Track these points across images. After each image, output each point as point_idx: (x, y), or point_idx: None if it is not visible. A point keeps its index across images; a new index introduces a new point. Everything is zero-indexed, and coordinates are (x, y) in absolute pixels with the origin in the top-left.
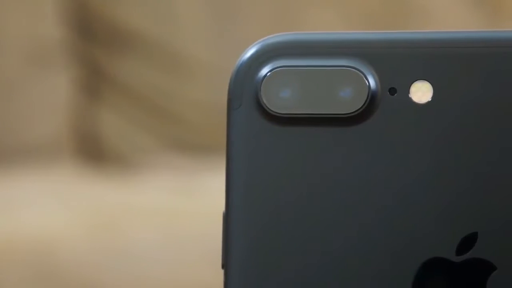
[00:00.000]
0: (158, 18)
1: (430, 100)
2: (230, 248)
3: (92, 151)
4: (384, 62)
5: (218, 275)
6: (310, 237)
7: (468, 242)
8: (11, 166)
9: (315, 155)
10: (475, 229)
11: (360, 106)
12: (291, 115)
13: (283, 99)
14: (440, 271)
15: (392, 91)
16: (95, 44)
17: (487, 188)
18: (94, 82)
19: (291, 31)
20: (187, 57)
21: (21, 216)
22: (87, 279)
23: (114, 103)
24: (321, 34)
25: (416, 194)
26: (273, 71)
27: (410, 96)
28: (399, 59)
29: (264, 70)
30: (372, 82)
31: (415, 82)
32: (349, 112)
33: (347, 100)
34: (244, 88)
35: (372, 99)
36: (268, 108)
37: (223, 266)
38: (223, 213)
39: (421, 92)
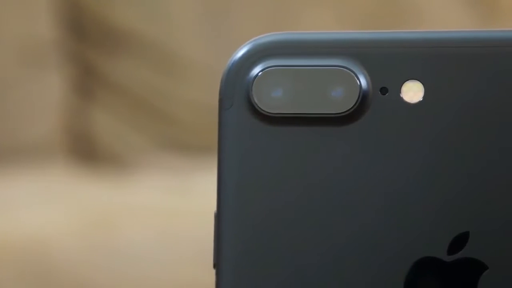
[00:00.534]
0: (151, 18)
1: (421, 99)
2: (222, 247)
3: (86, 151)
4: (376, 62)
5: (212, 275)
6: (301, 237)
7: (459, 241)
8: (5, 166)
9: (307, 154)
10: (467, 228)
11: (352, 105)
12: (283, 114)
13: (274, 99)
14: (431, 270)
15: (384, 90)
16: (89, 44)
17: (479, 188)
18: (88, 82)
19: (285, 31)
20: (180, 57)
21: (15, 216)
22: (81, 278)
23: (108, 103)
24: (312, 34)
25: (407, 194)
26: (264, 70)
27: (401, 95)
28: (390, 59)
29: (256, 70)
30: (363, 81)
31: (406, 82)
32: (340, 111)
33: (338, 100)
34: (235, 88)
35: (364, 99)
36: (260, 108)
37: (215, 266)
38: (215, 212)
39: (413, 92)
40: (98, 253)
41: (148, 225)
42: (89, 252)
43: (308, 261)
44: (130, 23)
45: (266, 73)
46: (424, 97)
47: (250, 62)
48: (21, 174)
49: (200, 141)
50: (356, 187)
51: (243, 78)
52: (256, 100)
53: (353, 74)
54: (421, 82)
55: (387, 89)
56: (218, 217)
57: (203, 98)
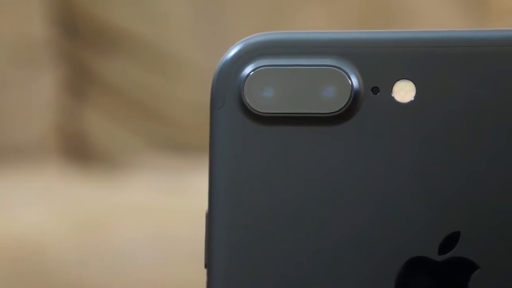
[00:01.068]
0: (145, 18)
1: (412, 99)
2: (213, 247)
3: (79, 151)
4: (367, 61)
5: (205, 275)
6: (292, 236)
7: (450, 241)
8: None
9: (298, 154)
10: (458, 228)
11: (343, 105)
12: (274, 114)
13: (266, 99)
14: (422, 270)
15: (375, 90)
16: (82, 43)
17: (470, 188)
18: (81, 82)
19: (278, 30)
20: (174, 57)
21: (7, 215)
22: (74, 278)
23: (101, 103)
24: (304, 34)
25: (398, 194)
26: (256, 70)
27: (392, 95)
28: (382, 59)
29: (247, 70)
30: (355, 81)
31: (397, 82)
32: (332, 111)
33: (330, 100)
34: (227, 88)
35: (355, 99)
36: (251, 107)
37: (206, 266)
38: (206, 212)
39: (404, 92)
40: (91, 253)
41: (141, 225)
42: (82, 252)
43: (300, 261)
44: (124, 23)
45: (258, 73)
46: (415, 96)
47: (242, 61)
48: (14, 174)
49: (193, 140)
50: (348, 186)
51: (235, 78)
52: (247, 99)
53: (344, 74)
54: (412, 81)
55: (378, 89)
56: (209, 217)
57: (197, 98)
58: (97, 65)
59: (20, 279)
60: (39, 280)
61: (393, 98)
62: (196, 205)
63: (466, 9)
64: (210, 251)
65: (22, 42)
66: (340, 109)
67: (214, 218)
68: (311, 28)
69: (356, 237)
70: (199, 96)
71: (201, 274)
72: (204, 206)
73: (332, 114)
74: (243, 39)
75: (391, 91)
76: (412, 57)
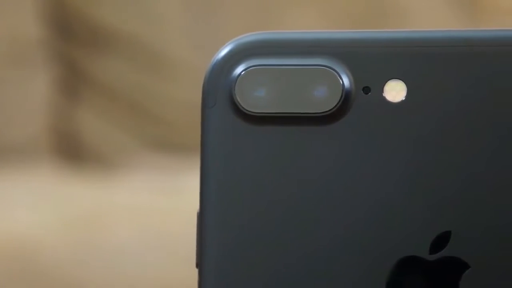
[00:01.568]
0: (138, 18)
1: (403, 99)
2: (204, 247)
3: (73, 151)
4: (358, 61)
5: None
6: (284, 236)
7: (441, 240)
8: None
9: (289, 154)
10: (449, 228)
11: (334, 105)
12: (265, 114)
13: (257, 98)
14: (414, 269)
15: (366, 90)
16: (76, 43)
17: (461, 187)
18: (75, 82)
19: (270, 30)
20: (167, 57)
21: (1, 215)
22: (67, 278)
23: (94, 103)
24: (295, 33)
25: (390, 193)
26: (247, 70)
27: (384, 95)
28: (373, 58)
29: (238, 69)
30: (346, 81)
31: (389, 81)
32: (323, 111)
33: (321, 99)
34: (218, 87)
35: (346, 98)
36: (242, 107)
37: (198, 265)
38: (197, 212)
39: (395, 91)
40: (85, 252)
41: (135, 225)
42: (76, 251)
43: (291, 261)
44: (117, 23)
45: (249, 73)
46: (406, 96)
47: (233, 61)
48: (8, 174)
49: (187, 140)
50: (339, 186)
51: (226, 78)
52: (238, 99)
53: (335, 74)
54: (403, 81)
55: (369, 89)
56: (201, 216)
57: (190, 97)
58: (91, 65)
59: (14, 278)
60: (33, 279)
61: (384, 98)
62: (190, 205)
63: (458, 8)
64: (201, 251)
65: (16, 43)
66: (331, 109)
67: (205, 218)
68: (303, 28)
69: (347, 236)
70: (193, 96)
71: (194, 273)
72: (198, 205)
73: (323, 114)
74: (234, 39)
75: (382, 90)
76: (403, 57)
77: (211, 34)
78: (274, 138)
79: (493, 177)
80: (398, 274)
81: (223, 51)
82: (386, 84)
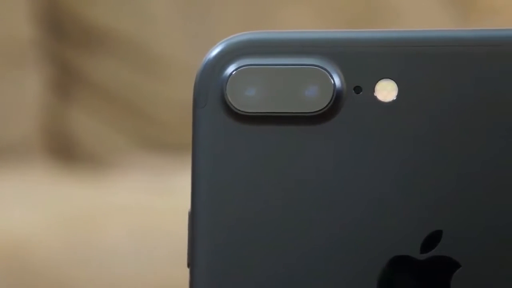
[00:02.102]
0: (131, 17)
1: (394, 98)
2: (195, 247)
3: (65, 151)
4: (349, 60)
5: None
6: (275, 236)
7: (432, 240)
8: None
9: (281, 153)
10: (440, 227)
11: (326, 104)
12: (257, 114)
13: (248, 98)
14: (405, 268)
15: (357, 89)
16: (67, 43)
17: (452, 186)
18: (67, 82)
19: (264, 30)
20: (160, 57)
21: None
22: (60, 277)
23: (87, 103)
24: (286, 33)
25: (381, 193)
26: (238, 69)
27: (375, 94)
28: (364, 58)
29: (230, 69)
30: (337, 80)
31: (380, 81)
32: (314, 110)
33: (312, 99)
34: (209, 87)
35: (337, 98)
36: (234, 107)
37: (189, 265)
38: (189, 212)
39: (386, 91)
40: (78, 252)
41: (128, 224)
42: (69, 251)
43: (283, 260)
44: (110, 23)
45: (240, 72)
46: (397, 96)
47: (224, 61)
48: (1, 174)
49: (179, 140)
50: (331, 185)
51: (217, 77)
52: (230, 99)
53: (327, 73)
54: (394, 81)
55: (360, 88)
56: (192, 216)
57: (182, 97)
58: (84, 65)
59: (7, 277)
60: (27, 278)
61: (375, 98)
62: (183, 205)
63: (450, 8)
64: (192, 251)
65: (9, 43)
66: (323, 108)
67: (196, 217)
68: (296, 28)
69: (339, 236)
70: (186, 95)
71: (187, 273)
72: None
73: (315, 114)
74: (226, 39)
75: (373, 90)
76: (394, 56)
77: (204, 34)
78: (266, 138)
79: (484, 177)
80: (389, 273)
81: (214, 51)
82: (377, 83)
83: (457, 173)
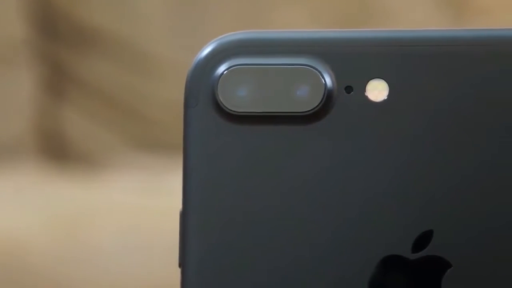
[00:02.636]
0: (123, 17)
1: (386, 98)
2: (187, 247)
3: (57, 150)
4: (340, 60)
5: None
6: (266, 236)
7: (423, 239)
8: None
9: (272, 153)
10: (431, 227)
11: (317, 104)
12: (248, 113)
13: (240, 98)
14: (396, 268)
15: (348, 89)
16: (60, 42)
17: (443, 186)
18: (59, 81)
19: (256, 29)
20: (152, 56)
21: None
22: (52, 276)
23: (79, 102)
24: (277, 33)
25: (372, 192)
26: (229, 69)
27: (366, 94)
28: (355, 58)
29: (221, 69)
30: (328, 80)
31: (371, 81)
32: (305, 110)
33: (303, 99)
34: (200, 87)
35: (329, 98)
36: (225, 106)
37: (180, 265)
38: (180, 211)
39: (377, 91)
40: (70, 251)
41: (120, 224)
42: (61, 251)
43: (273, 260)
44: (102, 22)
45: (232, 72)
46: (388, 95)
47: (215, 60)
48: None
49: (172, 139)
50: (322, 185)
51: (209, 77)
52: (221, 98)
53: (318, 73)
54: (385, 80)
55: (352, 88)
56: (183, 216)
57: (175, 96)
58: (76, 65)
59: (0, 276)
60: (19, 278)
61: (366, 97)
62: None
63: (443, 8)
64: (184, 251)
65: (1, 42)
66: (314, 108)
67: (188, 217)
68: (289, 28)
69: (330, 235)
70: (178, 95)
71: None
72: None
73: (306, 113)
74: (217, 38)
75: (364, 90)
76: (385, 56)
77: (197, 34)
78: (257, 138)
79: (476, 178)
80: (380, 273)
81: (205, 51)
82: (368, 83)
83: (448, 173)
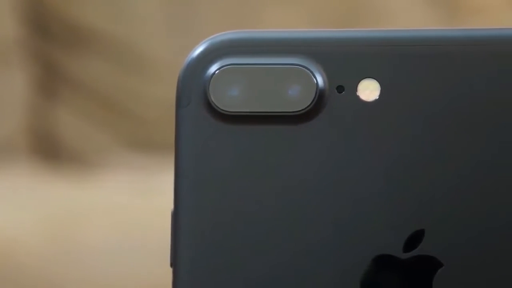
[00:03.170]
0: (116, 16)
1: (377, 98)
2: (178, 246)
3: (50, 150)
4: (332, 60)
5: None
6: (258, 235)
7: (415, 239)
8: None
9: (264, 153)
10: (422, 226)
11: (308, 104)
12: (240, 113)
13: (231, 97)
14: (388, 267)
15: (340, 89)
16: (52, 42)
17: (434, 186)
18: (52, 81)
19: (249, 29)
20: (145, 56)
21: None
22: (45, 277)
23: (72, 102)
24: (269, 33)
25: (363, 192)
26: (221, 69)
27: (357, 94)
28: (347, 57)
29: (213, 68)
30: (320, 80)
31: (362, 80)
32: (297, 110)
33: (295, 98)
34: (192, 86)
35: (320, 97)
36: (217, 106)
37: (172, 265)
38: (172, 211)
39: (369, 90)
40: (63, 251)
41: (113, 224)
42: (54, 251)
43: (266, 260)
44: (95, 22)
45: (223, 72)
46: (380, 95)
47: (207, 60)
48: None
49: (165, 139)
50: (313, 185)
51: (200, 77)
52: (213, 98)
53: (309, 73)
54: (377, 80)
55: (343, 88)
56: (175, 216)
57: (168, 96)
58: (69, 64)
59: None
60: (11, 278)
61: (358, 97)
62: (169, 205)
63: (436, 8)
64: (175, 250)
65: None
66: (305, 108)
67: (179, 217)
68: (281, 27)
69: (322, 234)
70: (172, 95)
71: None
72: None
73: (298, 113)
74: (208, 38)
75: (356, 89)
76: (377, 56)
77: (190, 34)
78: (249, 137)
79: (467, 176)
80: (372, 272)
81: (197, 51)
82: (360, 83)
83: (440, 173)
